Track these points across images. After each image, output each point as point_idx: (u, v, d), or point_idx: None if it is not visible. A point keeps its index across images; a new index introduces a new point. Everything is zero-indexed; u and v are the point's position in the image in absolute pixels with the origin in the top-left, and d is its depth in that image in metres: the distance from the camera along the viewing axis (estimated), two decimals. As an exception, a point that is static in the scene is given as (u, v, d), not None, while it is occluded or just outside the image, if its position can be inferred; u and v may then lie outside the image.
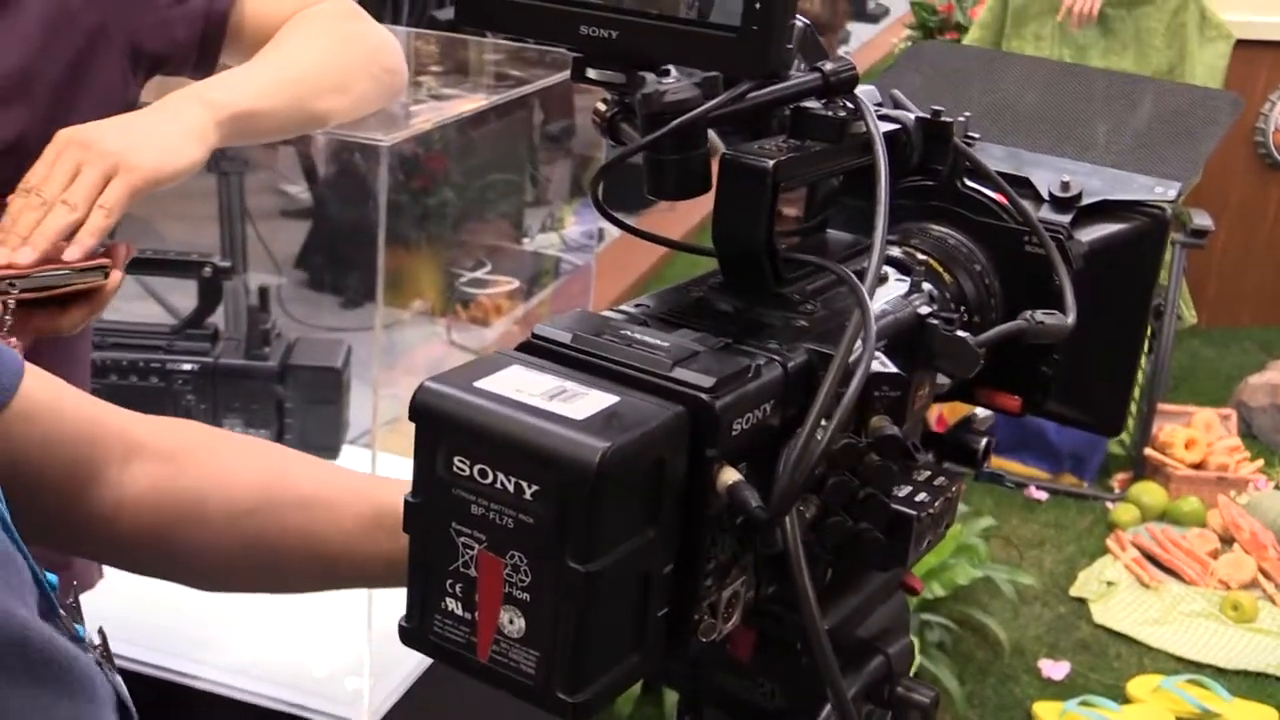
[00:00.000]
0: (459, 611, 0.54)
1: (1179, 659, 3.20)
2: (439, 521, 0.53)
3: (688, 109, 0.60)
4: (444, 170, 3.98)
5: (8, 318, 1.13)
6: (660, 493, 0.53)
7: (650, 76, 0.62)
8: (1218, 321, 4.81)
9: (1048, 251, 0.74)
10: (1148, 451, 3.85)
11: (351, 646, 1.90)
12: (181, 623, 1.87)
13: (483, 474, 0.52)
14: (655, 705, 2.67)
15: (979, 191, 0.77)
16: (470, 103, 3.47)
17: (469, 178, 4.18)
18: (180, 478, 0.86)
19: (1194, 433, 3.88)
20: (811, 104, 0.65)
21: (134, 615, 1.68)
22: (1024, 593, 3.33)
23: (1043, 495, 3.83)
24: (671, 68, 0.63)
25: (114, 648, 0.74)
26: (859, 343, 0.57)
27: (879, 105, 0.74)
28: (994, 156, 0.79)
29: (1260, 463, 3.89)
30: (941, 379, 0.70)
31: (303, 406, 2.07)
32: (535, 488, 0.51)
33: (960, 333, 0.67)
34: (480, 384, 0.54)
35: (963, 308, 0.75)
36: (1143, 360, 3.87)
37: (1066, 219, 0.77)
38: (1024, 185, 0.78)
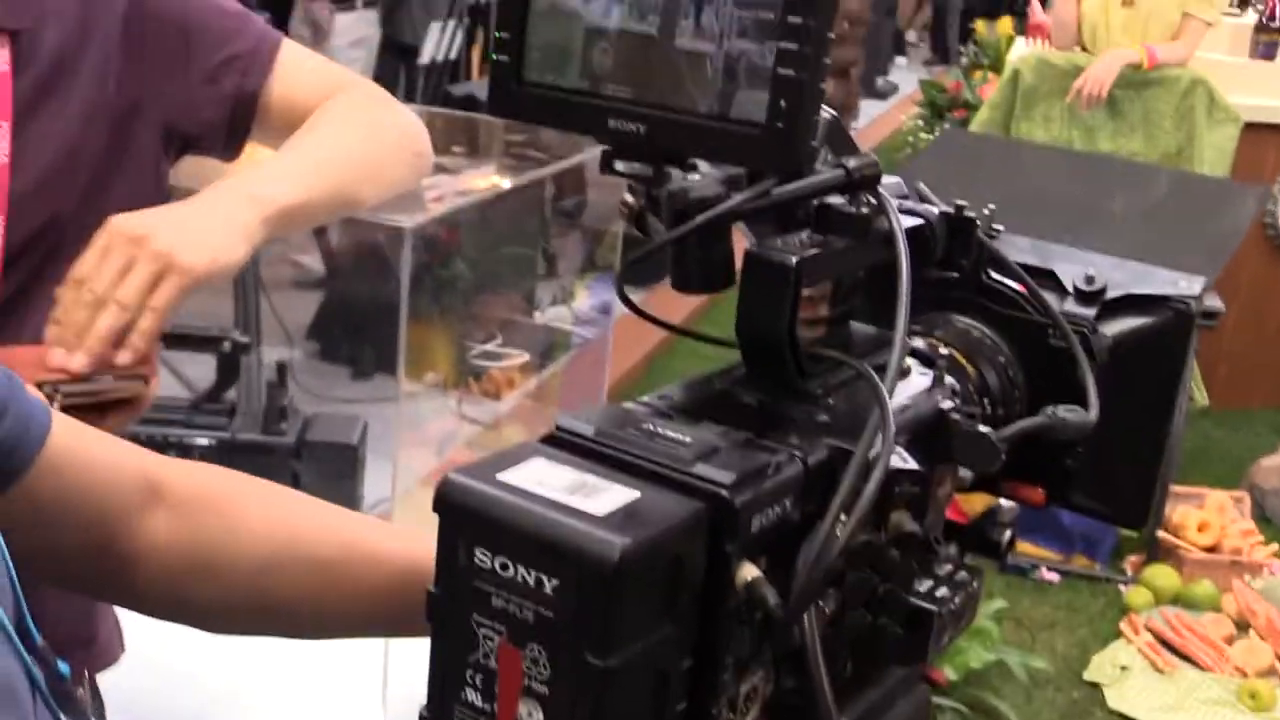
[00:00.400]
0: (479, 703, 0.54)
1: (1194, 746, 3.16)
2: (460, 612, 0.54)
3: (713, 205, 0.61)
4: (458, 245, 4.01)
5: None
6: (679, 588, 0.54)
7: (676, 172, 0.63)
8: (1229, 403, 4.80)
9: (1070, 346, 0.74)
10: (1160, 534, 3.83)
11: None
12: (199, 699, 1.86)
13: (504, 566, 0.52)
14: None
15: (1003, 284, 0.77)
16: (483, 177, 3.51)
17: (482, 251, 4.21)
18: (199, 528, 0.86)
19: (1207, 515, 3.86)
20: (835, 199, 0.66)
21: (153, 693, 1.67)
22: (1037, 677, 3.30)
23: (1055, 577, 3.81)
24: (698, 161, 0.65)
25: None
26: (879, 439, 0.57)
27: (904, 197, 0.74)
28: (1018, 248, 0.79)
29: (1275, 547, 3.86)
30: (964, 472, 0.70)
31: (319, 482, 2.08)
32: (555, 582, 0.51)
33: (982, 428, 0.67)
34: (503, 476, 0.54)
35: (986, 400, 0.76)
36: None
37: (1091, 313, 0.78)
38: (1048, 278, 0.79)
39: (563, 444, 0.58)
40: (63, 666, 0.66)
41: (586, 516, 0.52)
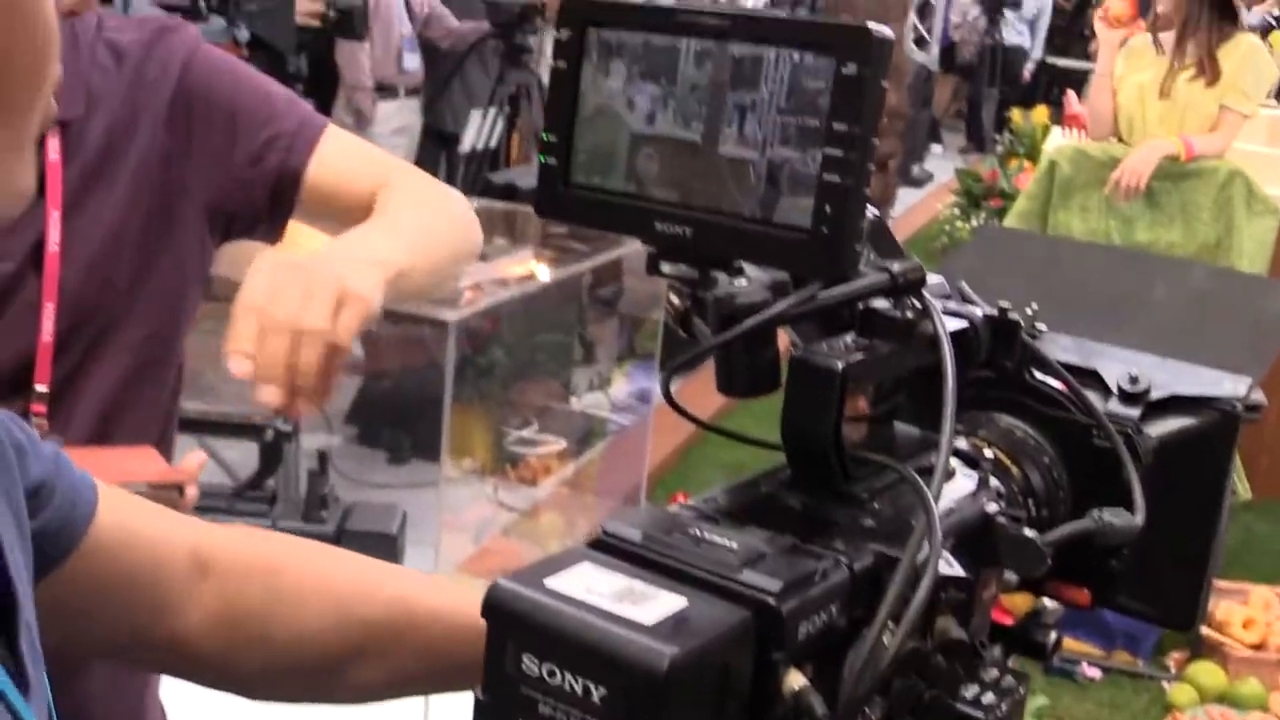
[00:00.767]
0: None
1: (1241, 846, 3.09)
2: (507, 719, 0.54)
3: (759, 310, 0.62)
4: (496, 333, 4.04)
5: None
6: (726, 696, 0.54)
7: (722, 276, 0.63)
8: (1271, 496, 4.74)
9: (1115, 449, 0.74)
10: (1204, 630, 3.77)
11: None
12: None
13: (551, 674, 0.52)
14: None
15: (1046, 384, 0.77)
16: (520, 264, 3.53)
17: (520, 339, 4.23)
18: (246, 598, 0.86)
19: (1252, 612, 3.79)
20: (880, 302, 0.66)
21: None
22: (1079, 773, 3.25)
23: (1096, 673, 3.75)
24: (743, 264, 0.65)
25: None
26: (925, 544, 0.57)
27: (946, 297, 0.75)
28: (1061, 346, 0.80)
29: (1321, 643, 3.80)
30: (1009, 573, 0.70)
31: (355, 570, 2.08)
32: (603, 690, 0.51)
33: (1028, 531, 0.67)
34: (551, 583, 0.54)
35: (1031, 501, 0.75)
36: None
37: (1135, 413, 0.78)
38: (1091, 377, 0.79)
39: (610, 549, 0.58)
40: None
41: (635, 625, 0.52)
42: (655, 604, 0.53)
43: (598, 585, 0.55)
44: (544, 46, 5.37)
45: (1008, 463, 0.75)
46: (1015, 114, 8.03)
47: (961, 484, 0.70)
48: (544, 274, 3.50)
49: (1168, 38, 4.47)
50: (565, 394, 4.65)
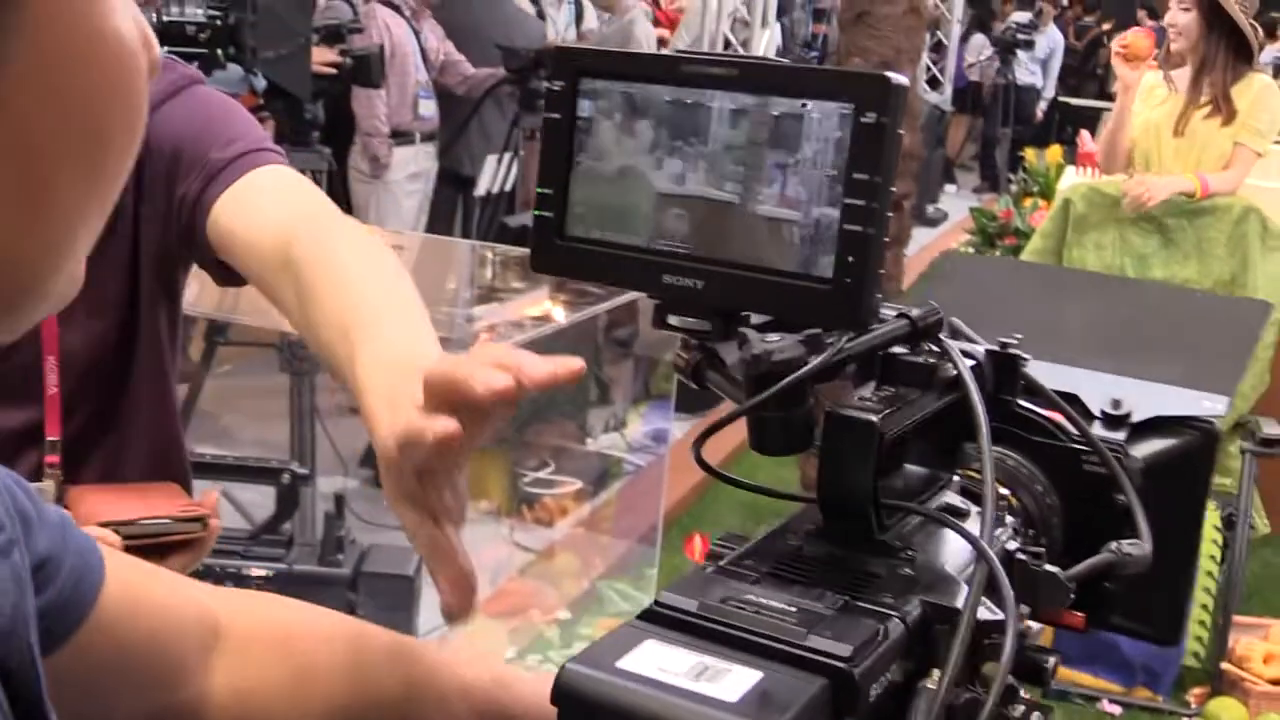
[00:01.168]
0: None
1: None
2: None
3: (796, 368, 0.61)
4: (511, 372, 4.04)
5: None
6: None
7: (752, 333, 0.63)
8: (1291, 531, 4.71)
9: (1114, 474, 0.74)
10: (1224, 666, 3.75)
11: None
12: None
13: None
14: None
15: (1034, 412, 0.77)
16: (535, 305, 3.55)
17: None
18: (263, 674, 0.83)
19: (1272, 647, 3.77)
20: (897, 348, 0.66)
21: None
22: (1101, 813, 3.22)
23: (1116, 709, 3.72)
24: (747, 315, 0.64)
25: None
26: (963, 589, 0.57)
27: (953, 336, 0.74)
28: (1039, 373, 0.78)
29: (1343, 679, 3.77)
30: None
31: (375, 613, 2.08)
32: None
33: (1049, 567, 0.67)
34: (622, 665, 0.53)
35: (1030, 530, 0.76)
36: (1216, 571, 3.80)
37: (1121, 437, 0.78)
38: (1073, 403, 0.78)
39: (666, 621, 0.57)
40: None
41: (720, 704, 0.51)
42: (733, 679, 0.52)
43: (670, 663, 0.53)
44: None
45: (1007, 494, 0.75)
46: (1029, 153, 8.05)
47: (973, 522, 0.69)
48: (559, 315, 3.51)
49: (1179, 75, 4.49)
50: (581, 435, 4.66)
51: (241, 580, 2.08)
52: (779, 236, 0.61)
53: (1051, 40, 12.78)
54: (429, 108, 5.56)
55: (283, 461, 2.20)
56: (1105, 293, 0.93)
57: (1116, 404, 0.79)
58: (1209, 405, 0.79)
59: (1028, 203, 7.22)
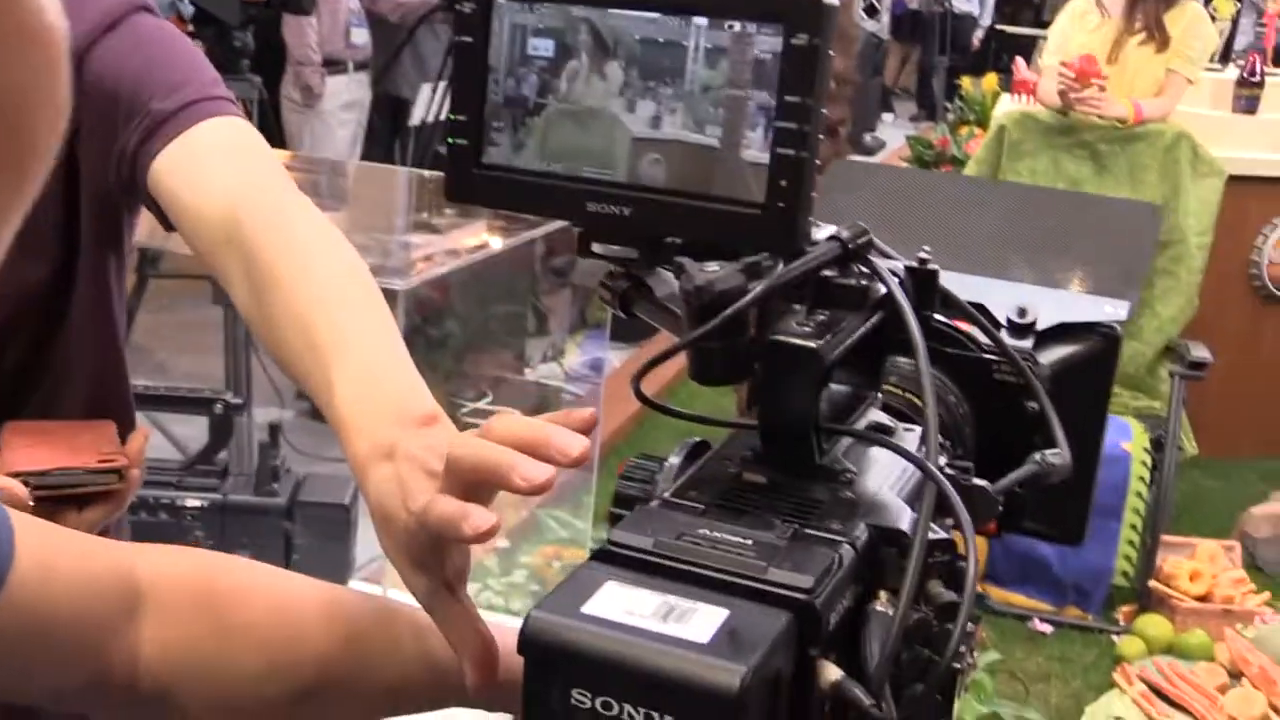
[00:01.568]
0: None
1: (1190, 797, 3.15)
2: None
3: (737, 298, 0.59)
4: (448, 304, 4.02)
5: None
6: (776, 702, 0.53)
7: (689, 263, 0.61)
8: (1218, 453, 4.81)
9: (1028, 383, 0.75)
10: (1152, 584, 3.83)
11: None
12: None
13: (606, 706, 0.50)
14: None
15: (945, 323, 0.77)
16: (473, 236, 3.52)
17: (472, 310, 4.22)
18: (191, 636, 0.79)
19: (1198, 565, 3.86)
20: (827, 270, 0.65)
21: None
22: (1031, 729, 3.30)
23: (1047, 628, 3.80)
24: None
25: None
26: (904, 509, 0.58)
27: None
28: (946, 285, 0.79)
29: (1266, 595, 3.86)
30: None
31: (311, 542, 2.08)
32: (669, 718, 0.49)
33: (979, 481, 0.68)
34: (588, 610, 0.52)
35: (947, 442, 0.76)
36: (1145, 492, 3.87)
37: (1028, 344, 0.79)
38: (981, 313, 0.78)
39: (623, 561, 0.56)
40: None
41: (692, 645, 0.50)
42: (700, 618, 0.52)
43: (635, 605, 0.52)
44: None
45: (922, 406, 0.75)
46: (966, 81, 8.07)
47: (906, 439, 0.70)
48: (495, 243, 3.49)
49: (1112, 2, 4.52)
50: (519, 365, 4.65)
51: (176, 511, 2.06)
52: (708, 161, 0.60)
53: (988, -32, 12.76)
54: (361, 35, 5.47)
55: (216, 391, 2.17)
56: (1002, 199, 0.93)
57: (1022, 312, 0.79)
58: (1111, 310, 0.80)
59: (964, 130, 7.26)
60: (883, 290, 0.64)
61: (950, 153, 7.06)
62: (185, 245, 1.17)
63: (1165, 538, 3.90)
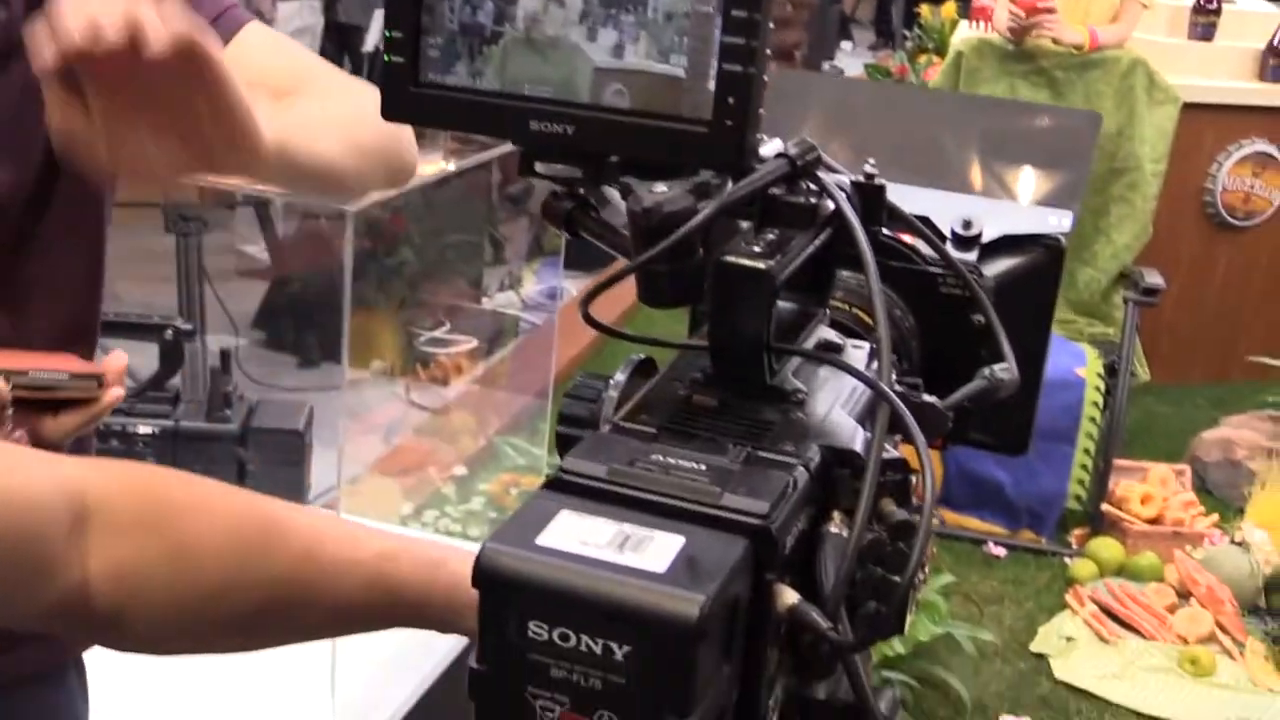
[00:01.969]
0: None
1: (1139, 714, 3.21)
2: (512, 687, 0.51)
3: (687, 219, 0.58)
4: (403, 231, 4.00)
5: (7, 412, 1.11)
6: (734, 628, 0.53)
7: (637, 183, 0.60)
8: (1170, 378, 4.87)
9: (974, 295, 0.74)
10: (1104, 507, 3.89)
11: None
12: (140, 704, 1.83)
13: (564, 637, 0.49)
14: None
15: (890, 236, 0.76)
16: (430, 164, 3.49)
17: (428, 238, 4.19)
18: (139, 553, 0.77)
19: (1150, 488, 3.91)
20: (777, 189, 0.64)
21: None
22: (984, 649, 3.34)
23: (1001, 551, 3.85)
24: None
25: None
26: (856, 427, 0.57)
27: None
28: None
29: (1215, 517, 3.92)
30: None
31: (265, 469, 2.07)
32: (627, 648, 0.49)
33: (927, 397, 0.68)
34: (542, 541, 0.51)
35: (895, 357, 0.75)
36: (1098, 417, 3.91)
37: (972, 257, 0.78)
38: (926, 225, 0.77)
39: (577, 489, 0.55)
40: None
41: (649, 575, 0.49)
42: (656, 547, 0.51)
43: (590, 535, 0.52)
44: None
45: (868, 320, 0.74)
46: (924, 9, 8.02)
47: (854, 355, 0.69)
48: (450, 168, 3.46)
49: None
50: (476, 294, 4.63)
51: (127, 438, 2.05)
52: (652, 78, 0.59)
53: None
54: (312, -41, 5.39)
55: (165, 317, 2.15)
56: (941, 109, 0.92)
57: (967, 224, 0.78)
58: (1055, 222, 0.79)
59: (922, 59, 7.23)
60: (831, 207, 0.64)
61: (909, 81, 7.03)
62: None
63: (1117, 462, 3.95)
